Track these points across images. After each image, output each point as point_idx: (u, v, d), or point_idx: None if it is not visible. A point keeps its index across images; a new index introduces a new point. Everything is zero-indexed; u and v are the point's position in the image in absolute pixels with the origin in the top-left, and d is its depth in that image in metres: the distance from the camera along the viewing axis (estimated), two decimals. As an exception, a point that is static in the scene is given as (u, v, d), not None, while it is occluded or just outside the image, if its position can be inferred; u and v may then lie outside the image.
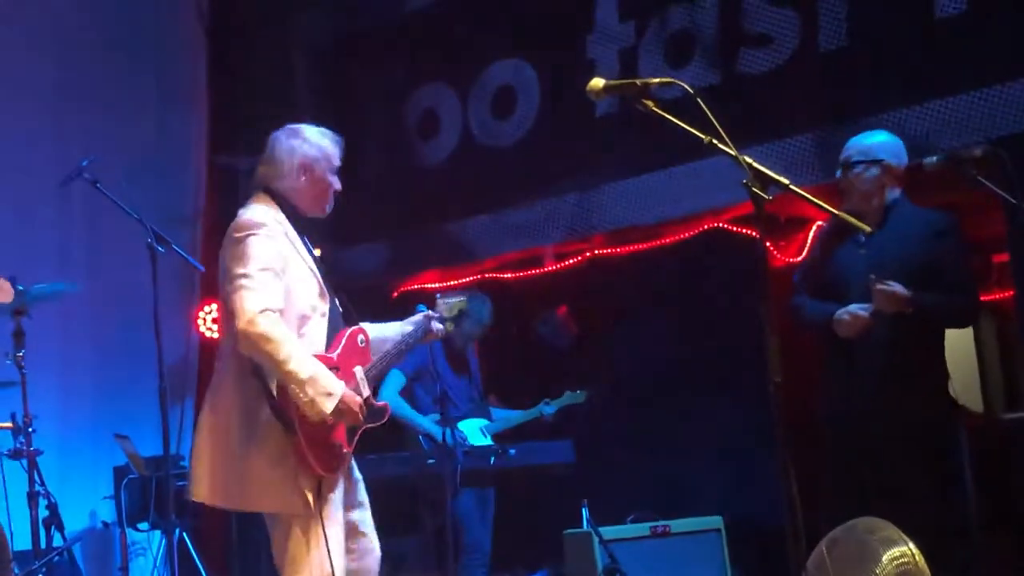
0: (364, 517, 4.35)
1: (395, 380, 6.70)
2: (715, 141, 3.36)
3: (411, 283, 8.38)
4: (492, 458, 6.31)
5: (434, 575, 6.38)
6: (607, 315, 7.72)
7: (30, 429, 5.98)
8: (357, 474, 4.37)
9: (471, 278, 8.08)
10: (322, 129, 4.40)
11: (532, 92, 7.75)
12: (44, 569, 5.83)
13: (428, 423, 6.62)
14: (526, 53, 7.77)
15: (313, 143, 4.32)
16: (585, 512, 6.09)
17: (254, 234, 4.10)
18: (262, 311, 3.97)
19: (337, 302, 4.36)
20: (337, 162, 4.36)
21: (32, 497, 5.94)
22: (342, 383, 4.07)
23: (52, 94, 7.91)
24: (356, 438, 4.25)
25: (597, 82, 3.54)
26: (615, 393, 7.29)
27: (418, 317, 4.52)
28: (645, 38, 7.21)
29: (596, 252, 7.73)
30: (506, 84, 7.89)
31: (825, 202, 3.47)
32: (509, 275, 8.10)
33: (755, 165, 3.34)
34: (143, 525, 7.07)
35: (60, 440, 7.29)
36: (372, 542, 4.34)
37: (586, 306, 7.87)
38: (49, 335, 7.05)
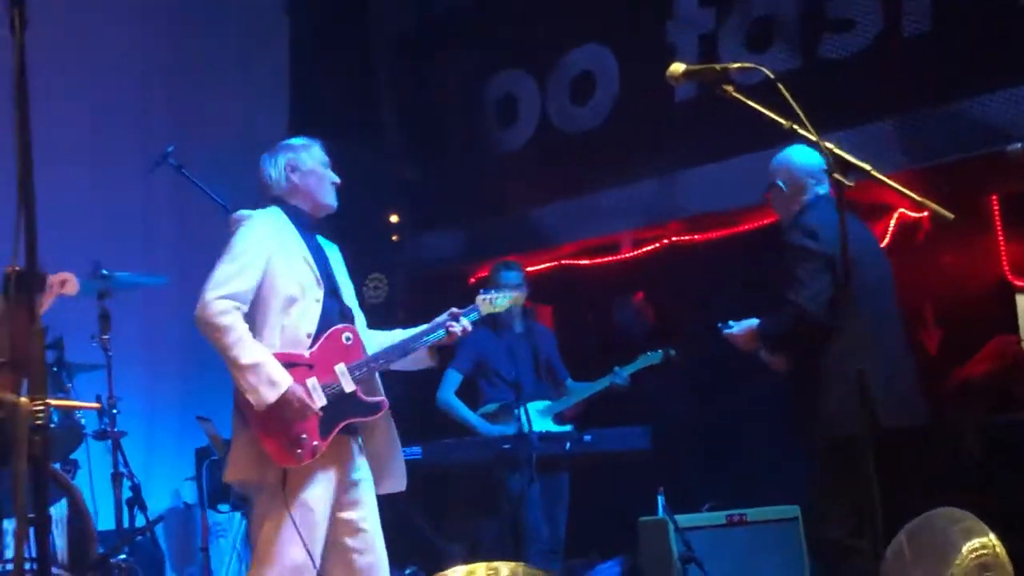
0: (365, 515, 4.33)
1: (452, 380, 6.71)
2: (796, 127, 3.34)
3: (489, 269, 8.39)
4: (568, 444, 6.29)
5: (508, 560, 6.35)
6: (684, 302, 7.67)
7: (115, 411, 6.08)
8: (362, 475, 4.36)
9: (548, 264, 8.08)
10: (298, 137, 4.59)
11: (611, 78, 7.74)
12: (127, 548, 5.90)
13: (477, 420, 6.62)
14: (605, 38, 7.76)
15: (292, 145, 4.52)
16: (661, 500, 6.05)
17: (241, 225, 4.29)
18: (217, 298, 4.10)
19: (345, 301, 4.43)
20: (324, 156, 4.51)
21: (116, 478, 6.03)
22: (290, 377, 4.08)
23: (138, 81, 8.02)
24: (335, 431, 4.18)
25: (677, 67, 3.53)
26: (692, 380, 7.24)
27: (442, 316, 4.46)
28: (725, 23, 7.17)
29: (674, 239, 7.70)
30: (585, 70, 7.88)
31: (908, 189, 3.43)
32: (586, 261, 8.09)
33: (836, 151, 3.32)
34: (224, 507, 7.13)
35: (144, 422, 7.40)
36: (371, 541, 4.32)
37: (663, 293, 7.83)
38: (134, 318, 7.15)
